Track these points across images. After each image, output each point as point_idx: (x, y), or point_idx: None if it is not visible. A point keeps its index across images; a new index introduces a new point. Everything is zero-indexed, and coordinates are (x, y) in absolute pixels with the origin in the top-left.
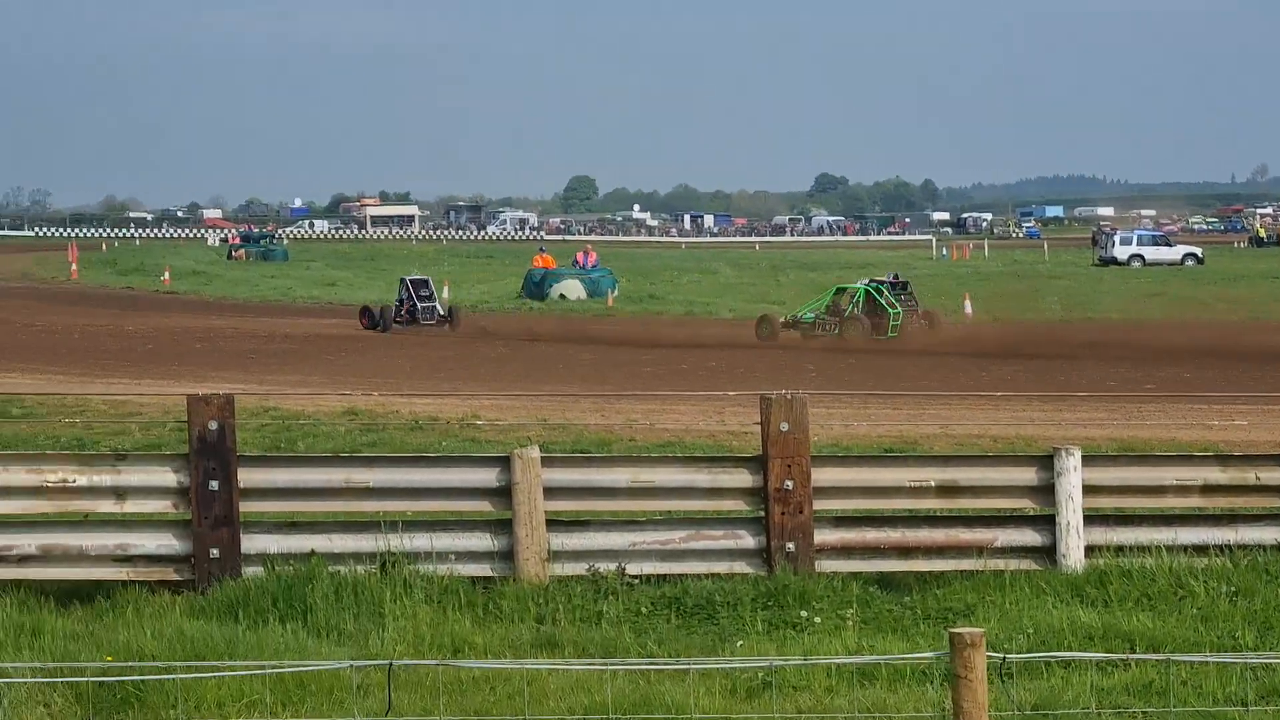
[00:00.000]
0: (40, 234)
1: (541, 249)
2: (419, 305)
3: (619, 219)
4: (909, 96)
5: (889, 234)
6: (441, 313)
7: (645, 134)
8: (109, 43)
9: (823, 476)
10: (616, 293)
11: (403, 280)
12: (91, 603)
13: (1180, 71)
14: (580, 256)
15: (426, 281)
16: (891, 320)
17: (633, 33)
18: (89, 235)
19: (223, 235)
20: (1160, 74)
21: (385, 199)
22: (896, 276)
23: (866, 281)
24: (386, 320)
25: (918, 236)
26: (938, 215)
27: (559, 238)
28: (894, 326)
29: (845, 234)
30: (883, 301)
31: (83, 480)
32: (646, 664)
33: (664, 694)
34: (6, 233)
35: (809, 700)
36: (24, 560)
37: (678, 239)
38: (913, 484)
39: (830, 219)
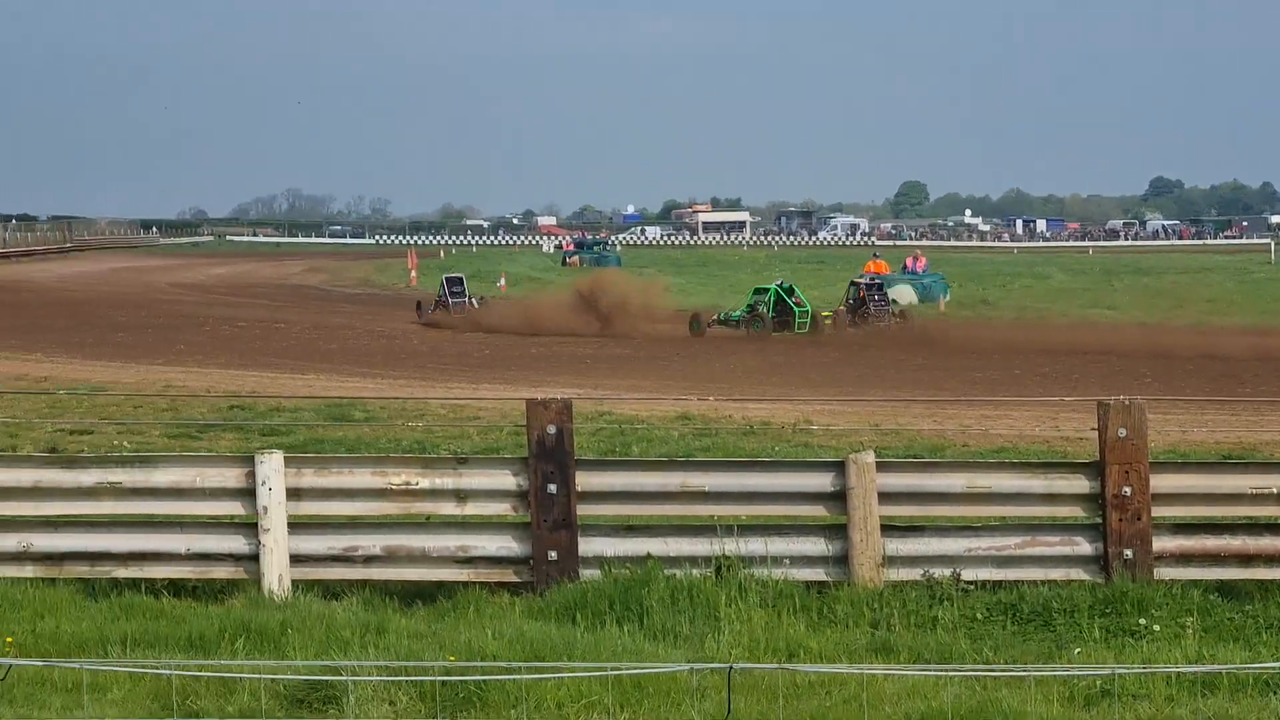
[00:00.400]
0: (380, 241)
1: (875, 254)
2: (450, 300)
3: (950, 224)
4: (1245, 96)
5: (1226, 238)
6: (474, 304)
7: (976, 139)
8: (449, 55)
9: (1161, 483)
10: (948, 298)
11: (443, 279)
12: (433, 603)
13: None
14: (910, 261)
15: (460, 279)
16: (797, 319)
17: (963, 38)
18: (427, 242)
19: (557, 242)
20: None
21: (716, 205)
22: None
23: (779, 282)
24: (424, 311)
25: (1255, 241)
26: (1276, 219)
27: (889, 243)
28: (800, 324)
29: (1180, 238)
30: (791, 301)
31: (425, 483)
32: (983, 670)
33: (1001, 701)
34: (349, 240)
35: (1149, 709)
36: (369, 561)
37: (1009, 244)
38: (1254, 491)
39: (1165, 223)
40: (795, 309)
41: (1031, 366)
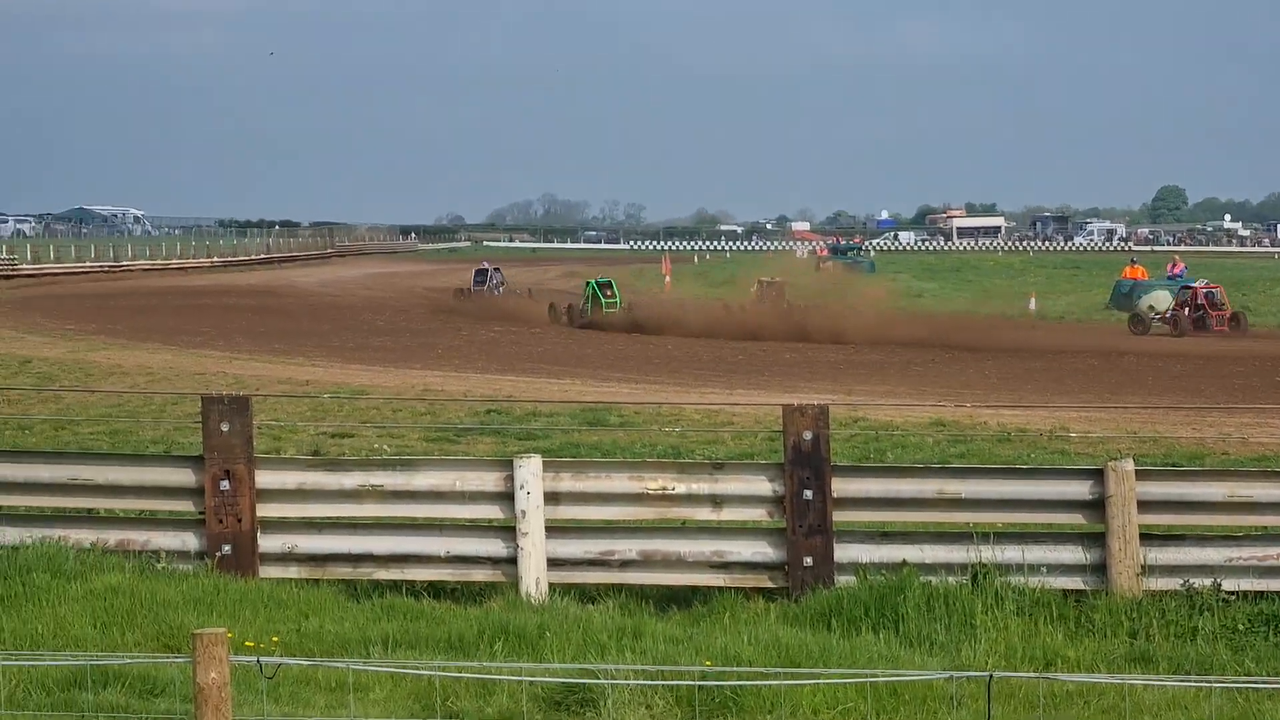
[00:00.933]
0: (634, 247)
1: (1133, 260)
2: (484, 286)
3: (1209, 229)
4: None
5: None
6: (516, 291)
7: (1236, 142)
8: (705, 61)
9: None
10: None
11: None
12: (689, 607)
13: None
14: (1170, 267)
15: (486, 270)
16: (605, 308)
17: (1222, 41)
18: (681, 248)
19: (811, 247)
20: None
21: (971, 210)
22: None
23: (596, 279)
24: (463, 299)
25: None
26: None
27: (1146, 248)
28: (607, 312)
29: None
30: (603, 298)
31: (681, 488)
32: (1246, 682)
33: (1264, 714)
34: (604, 246)
35: None
36: (625, 565)
37: (1270, 249)
38: None
39: None
40: (604, 301)
41: None
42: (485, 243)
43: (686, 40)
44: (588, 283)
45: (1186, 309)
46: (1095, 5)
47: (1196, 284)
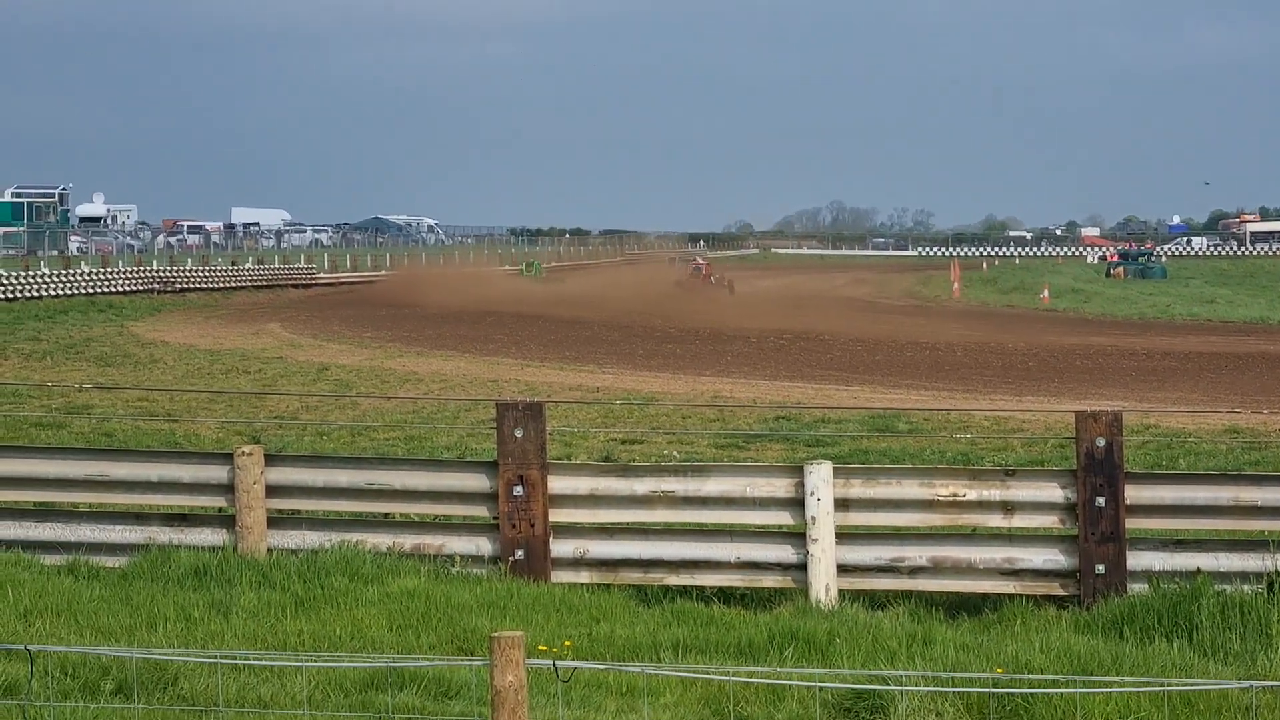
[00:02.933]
0: (923, 253)
1: None
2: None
3: None
4: None
5: None
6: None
7: None
8: (999, 71)
9: None
10: None
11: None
12: (978, 615)
13: None
14: None
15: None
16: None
17: None
18: (970, 254)
19: (1101, 253)
20: None
21: (1265, 215)
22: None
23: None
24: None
25: None
26: None
27: None
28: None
29: None
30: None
31: (972, 495)
32: None
33: None
34: (892, 253)
35: None
36: (915, 572)
37: None
38: None
39: None
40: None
41: None
42: (774, 250)
43: (978, 44)
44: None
45: None
46: None
47: None
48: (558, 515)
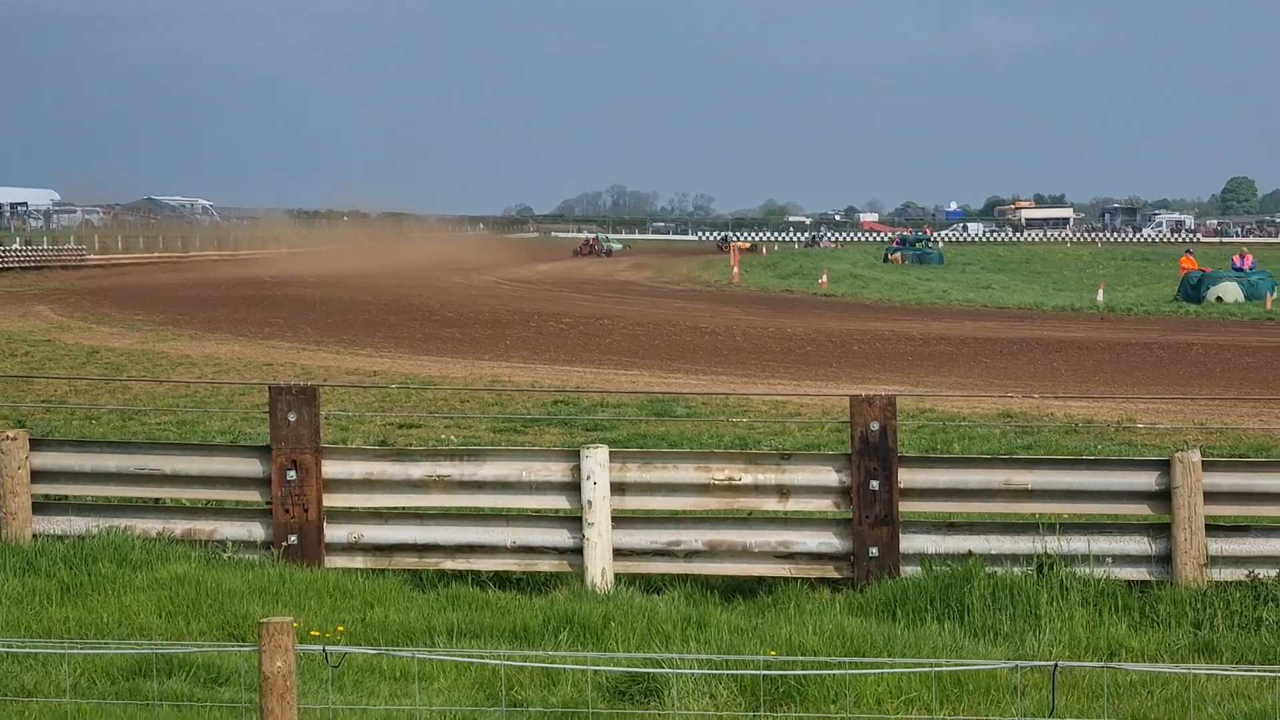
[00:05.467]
0: (703, 238)
1: (1188, 250)
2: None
3: (1278, 220)
4: None
5: None
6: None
7: None
8: (768, 53)
9: None
10: (1275, 295)
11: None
12: (754, 598)
13: None
14: (1237, 259)
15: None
16: None
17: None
18: (748, 239)
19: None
20: None
21: (1040, 201)
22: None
23: None
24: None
25: None
26: None
27: (1215, 240)
28: None
29: None
30: None
31: (748, 479)
32: None
33: None
34: (672, 237)
35: None
36: (691, 555)
37: None
38: None
39: None
40: None
41: None
42: (554, 234)
43: (757, 31)
44: None
45: None
46: None
47: None
48: (332, 500)
